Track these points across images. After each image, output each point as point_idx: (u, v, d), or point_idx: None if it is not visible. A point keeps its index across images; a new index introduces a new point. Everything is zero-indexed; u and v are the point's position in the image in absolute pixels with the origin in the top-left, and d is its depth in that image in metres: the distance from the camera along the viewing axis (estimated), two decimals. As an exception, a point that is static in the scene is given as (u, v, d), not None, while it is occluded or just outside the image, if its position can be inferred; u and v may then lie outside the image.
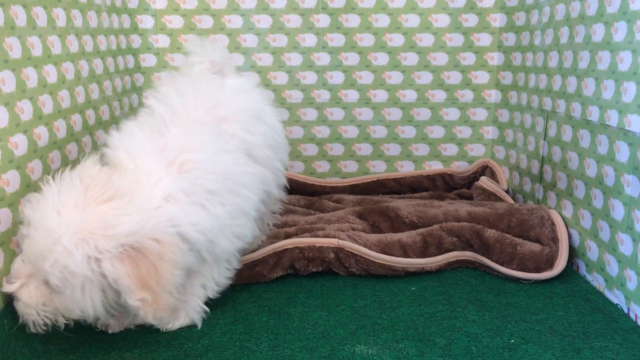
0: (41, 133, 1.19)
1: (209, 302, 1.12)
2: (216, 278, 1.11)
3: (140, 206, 0.92)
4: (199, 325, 1.09)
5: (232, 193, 1.03)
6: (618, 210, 1.17)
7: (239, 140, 1.12)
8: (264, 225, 1.40)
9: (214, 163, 1.02)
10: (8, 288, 0.93)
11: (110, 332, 1.06)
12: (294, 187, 1.80)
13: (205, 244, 0.99)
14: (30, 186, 1.14)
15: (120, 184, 0.94)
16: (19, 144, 1.10)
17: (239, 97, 1.19)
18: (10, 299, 1.04)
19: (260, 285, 1.27)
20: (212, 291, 1.11)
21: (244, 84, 1.27)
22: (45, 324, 0.94)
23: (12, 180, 1.08)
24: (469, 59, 1.86)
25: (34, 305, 0.92)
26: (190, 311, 1.09)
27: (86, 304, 0.90)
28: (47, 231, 0.87)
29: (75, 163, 1.33)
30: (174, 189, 0.96)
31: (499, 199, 1.65)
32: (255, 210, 1.09)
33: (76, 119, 1.35)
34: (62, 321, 0.95)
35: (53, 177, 0.93)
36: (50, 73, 1.24)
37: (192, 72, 1.25)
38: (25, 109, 1.13)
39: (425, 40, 1.85)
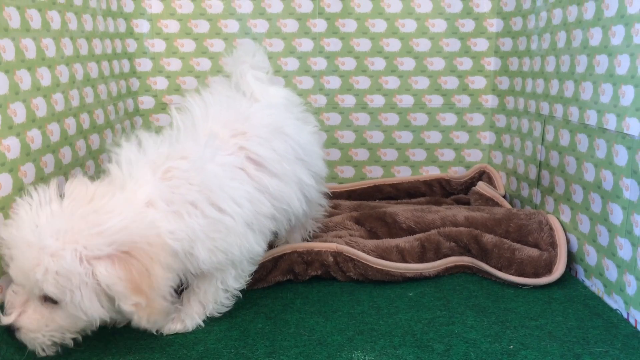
0: (34, 136, 1.17)
1: (204, 308, 1.11)
2: (212, 296, 1.09)
3: (121, 206, 0.91)
4: (190, 329, 1.08)
5: (213, 206, 0.99)
6: (617, 215, 1.16)
7: (251, 153, 1.09)
8: (305, 232, 1.40)
9: (198, 173, 0.99)
10: (6, 320, 0.90)
11: (118, 326, 1.05)
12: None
13: (183, 254, 0.97)
14: (22, 190, 1.12)
15: (100, 188, 0.93)
16: (11, 147, 1.09)
17: (263, 112, 1.17)
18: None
19: (256, 291, 1.26)
20: (212, 309, 1.10)
21: (276, 97, 1.26)
22: (54, 344, 0.92)
23: (3, 184, 1.06)
24: (465, 64, 1.86)
25: (37, 329, 0.90)
26: (185, 318, 1.08)
27: (89, 307, 0.87)
28: (28, 244, 0.85)
29: (69, 167, 1.33)
30: (155, 195, 0.95)
31: (496, 204, 1.64)
32: (246, 226, 1.04)
33: (70, 122, 1.34)
34: (69, 338, 0.93)
35: (26, 193, 0.91)
36: (44, 76, 1.23)
37: (244, 80, 1.23)
38: (18, 112, 1.12)
39: (422, 45, 1.85)
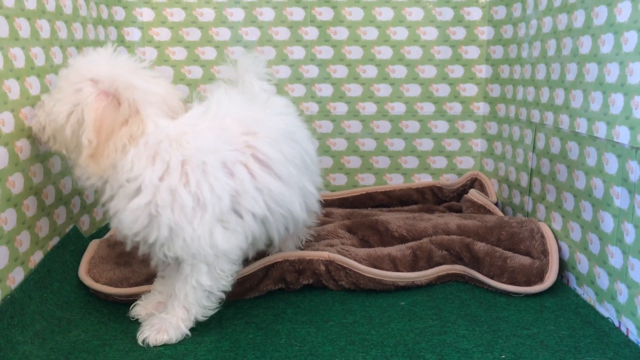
0: (23, 146, 1.16)
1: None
2: (193, 297, 1.07)
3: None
4: (174, 340, 1.06)
5: (196, 184, 1.02)
6: (607, 223, 1.16)
7: (258, 152, 1.10)
8: (298, 240, 1.40)
9: (195, 155, 1.03)
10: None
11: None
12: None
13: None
14: (10, 200, 1.11)
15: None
16: (0, 156, 1.08)
17: (277, 117, 1.19)
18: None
19: (247, 301, 1.25)
20: (195, 313, 1.09)
21: (286, 105, 1.30)
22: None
23: (-9, 195, 1.05)
24: (457, 71, 1.86)
25: (45, 112, 1.07)
26: (169, 328, 1.07)
27: (58, 107, 1.02)
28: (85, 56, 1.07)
29: (58, 176, 1.32)
30: (174, 130, 1.05)
31: (488, 211, 1.64)
32: (223, 221, 1.04)
33: (60, 131, 1.33)
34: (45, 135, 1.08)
35: None
36: (34, 85, 1.22)
37: (251, 89, 1.26)
38: (6, 122, 1.11)
39: (414, 53, 1.85)
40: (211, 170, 1.03)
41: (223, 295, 1.12)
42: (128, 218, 1.02)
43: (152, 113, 1.04)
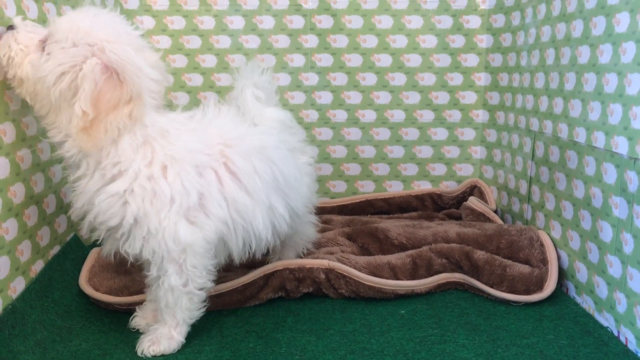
0: (24, 155, 1.17)
1: (195, 326, 1.11)
2: (174, 301, 1.07)
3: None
4: (169, 350, 1.06)
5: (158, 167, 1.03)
6: (606, 232, 1.16)
7: (230, 162, 1.10)
8: (299, 250, 1.40)
9: (176, 152, 1.05)
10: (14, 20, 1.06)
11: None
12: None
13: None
14: (11, 210, 1.11)
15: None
16: (1, 167, 1.08)
17: (256, 136, 1.17)
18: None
19: (247, 309, 1.25)
20: (181, 316, 1.08)
21: (273, 120, 1.28)
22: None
23: (-7, 205, 1.06)
24: (456, 79, 1.87)
25: (22, 43, 1.03)
26: (161, 339, 1.07)
27: (49, 65, 0.97)
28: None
29: (59, 186, 1.32)
30: (164, 125, 1.07)
31: (487, 219, 1.64)
32: (190, 216, 1.04)
33: (61, 140, 1.33)
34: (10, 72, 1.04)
35: None
36: (35, 95, 1.22)
37: (244, 99, 1.26)
38: (8, 132, 1.11)
39: (413, 60, 1.86)
40: (185, 166, 1.04)
41: (204, 295, 1.10)
42: (103, 204, 1.01)
43: (150, 103, 1.05)
